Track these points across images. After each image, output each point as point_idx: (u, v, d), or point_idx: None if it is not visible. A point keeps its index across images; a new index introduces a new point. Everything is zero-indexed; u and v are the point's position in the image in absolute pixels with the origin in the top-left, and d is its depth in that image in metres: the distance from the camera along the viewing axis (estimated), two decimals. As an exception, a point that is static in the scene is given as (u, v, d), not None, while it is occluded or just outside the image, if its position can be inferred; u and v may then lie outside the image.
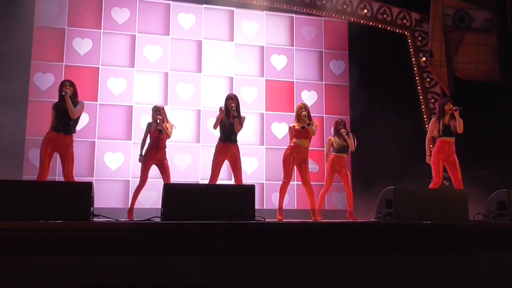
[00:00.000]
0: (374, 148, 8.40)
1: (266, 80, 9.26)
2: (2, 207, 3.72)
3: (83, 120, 8.11)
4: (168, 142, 6.38)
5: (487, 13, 9.82)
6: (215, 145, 6.23)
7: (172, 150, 7.77)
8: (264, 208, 8.57)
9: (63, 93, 5.63)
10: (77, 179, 7.69)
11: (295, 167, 6.41)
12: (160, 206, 4.20)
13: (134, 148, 8.29)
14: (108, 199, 8.02)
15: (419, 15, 9.87)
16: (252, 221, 4.14)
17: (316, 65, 9.60)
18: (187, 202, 4.13)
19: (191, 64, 8.99)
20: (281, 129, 9.16)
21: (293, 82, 9.41)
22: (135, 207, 6.24)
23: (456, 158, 6.45)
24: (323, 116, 9.37)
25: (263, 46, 9.36)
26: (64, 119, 5.67)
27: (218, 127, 6.19)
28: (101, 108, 8.44)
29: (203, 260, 3.58)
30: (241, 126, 6.18)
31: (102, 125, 8.42)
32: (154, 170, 6.38)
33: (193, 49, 9.05)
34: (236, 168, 6.18)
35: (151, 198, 7.86)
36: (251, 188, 4.38)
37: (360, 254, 3.85)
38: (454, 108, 6.43)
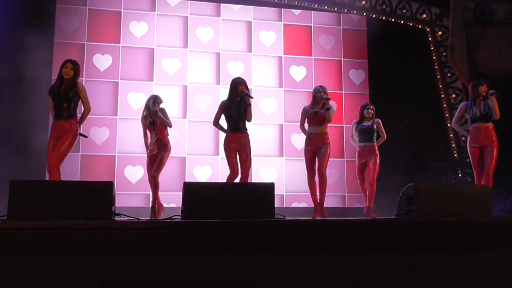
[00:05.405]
0: (394, 142, 8.32)
1: (284, 24, 9.50)
2: (25, 206, 3.78)
3: (107, 61, 8.73)
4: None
5: (509, 5, 9.63)
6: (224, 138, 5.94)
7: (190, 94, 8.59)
8: (284, 206, 8.56)
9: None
10: (101, 118, 8.47)
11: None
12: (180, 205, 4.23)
13: (155, 89, 8.66)
14: (129, 138, 8.49)
15: (439, 9, 9.74)
16: (272, 219, 4.14)
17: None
18: (207, 201, 4.14)
19: (210, 9, 9.34)
20: (299, 72, 9.43)
21: (311, 26, 9.62)
22: (154, 204, 6.44)
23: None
24: (341, 60, 9.57)
25: None
26: (59, 104, 5.24)
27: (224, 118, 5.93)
28: (123, 50, 8.86)
29: (223, 258, 3.59)
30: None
31: (124, 66, 8.83)
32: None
33: None
34: (245, 159, 5.82)
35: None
36: (270, 186, 4.37)
37: (381, 252, 3.81)
38: (490, 92, 6.17)
